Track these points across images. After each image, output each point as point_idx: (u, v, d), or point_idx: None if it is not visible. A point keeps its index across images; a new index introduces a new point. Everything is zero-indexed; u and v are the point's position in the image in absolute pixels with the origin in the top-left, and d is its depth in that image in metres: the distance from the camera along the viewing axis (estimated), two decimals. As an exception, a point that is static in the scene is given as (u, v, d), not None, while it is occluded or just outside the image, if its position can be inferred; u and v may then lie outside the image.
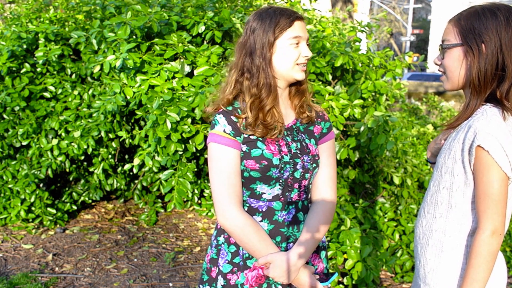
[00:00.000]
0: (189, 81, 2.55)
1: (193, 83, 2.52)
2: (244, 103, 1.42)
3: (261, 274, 1.40)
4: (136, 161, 2.79)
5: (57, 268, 3.20)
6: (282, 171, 1.39)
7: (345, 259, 2.75)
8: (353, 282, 2.76)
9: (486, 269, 1.20)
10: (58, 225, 3.88)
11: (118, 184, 3.92)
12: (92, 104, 3.07)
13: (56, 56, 3.26)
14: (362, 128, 2.80)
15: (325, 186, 1.49)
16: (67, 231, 3.82)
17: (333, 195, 1.50)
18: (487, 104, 1.27)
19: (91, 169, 3.54)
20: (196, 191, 3.93)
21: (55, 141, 3.31)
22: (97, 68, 2.79)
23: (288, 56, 1.37)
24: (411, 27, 28.63)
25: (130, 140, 3.31)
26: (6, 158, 3.75)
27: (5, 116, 3.46)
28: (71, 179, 3.97)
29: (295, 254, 1.37)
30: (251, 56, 1.38)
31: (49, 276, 3.07)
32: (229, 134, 1.38)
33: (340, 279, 2.88)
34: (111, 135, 3.27)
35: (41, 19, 3.66)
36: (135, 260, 3.36)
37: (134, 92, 2.66)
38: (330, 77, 2.98)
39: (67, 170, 3.58)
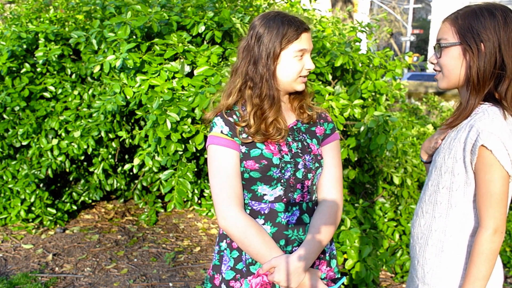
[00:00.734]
0: (189, 81, 2.55)
1: (193, 83, 2.52)
2: (243, 107, 1.41)
3: (266, 281, 1.36)
4: (136, 161, 2.79)
5: (57, 268, 3.20)
6: (283, 171, 1.37)
7: (345, 259, 2.75)
8: (353, 282, 2.76)
9: (488, 267, 1.21)
10: (58, 225, 3.88)
11: (118, 184, 3.92)
12: (92, 104, 3.07)
13: (56, 56, 3.26)
14: (362, 128, 2.80)
15: (330, 186, 1.46)
16: (67, 231, 3.83)
17: (338, 196, 1.47)
18: (486, 103, 1.28)
19: (91, 169, 3.54)
20: (196, 191, 3.93)
21: (55, 141, 3.31)
22: (97, 68, 2.79)
23: (292, 69, 1.35)
24: (411, 27, 28.62)
25: (130, 140, 3.31)
26: (6, 158, 3.75)
27: (5, 116, 3.46)
28: (71, 179, 3.97)
29: (299, 256, 1.32)
30: (255, 64, 1.35)
31: (49, 276, 3.07)
32: (226, 135, 1.36)
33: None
34: (111, 135, 3.27)
35: (41, 19, 3.66)
36: (135, 260, 3.36)
37: (134, 92, 2.66)
38: (330, 77, 2.98)
39: (67, 170, 3.58)
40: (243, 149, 1.37)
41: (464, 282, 1.24)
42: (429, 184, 1.39)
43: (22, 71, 3.44)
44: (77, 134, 3.20)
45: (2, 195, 3.71)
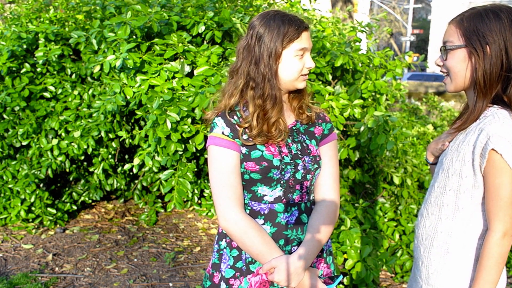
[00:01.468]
0: (189, 81, 2.55)
1: (193, 83, 2.52)
2: (244, 108, 1.41)
3: (265, 279, 1.38)
4: (136, 161, 2.79)
5: (57, 268, 3.20)
6: (283, 172, 1.37)
7: (345, 259, 2.75)
8: (353, 282, 2.76)
9: (498, 271, 1.21)
10: (58, 225, 3.88)
11: (118, 184, 3.92)
12: (92, 104, 3.07)
13: (56, 56, 3.26)
14: (362, 128, 2.80)
15: (327, 187, 1.47)
16: (67, 231, 3.83)
17: (335, 196, 1.48)
18: (494, 106, 1.28)
19: (91, 169, 3.54)
20: (196, 191, 3.93)
21: (55, 141, 3.31)
22: (97, 68, 2.79)
23: (294, 68, 1.35)
24: (411, 27, 28.63)
25: (130, 140, 3.31)
26: (6, 158, 3.75)
27: (5, 116, 3.46)
28: (71, 179, 3.97)
29: (299, 256, 1.34)
30: (256, 64, 1.34)
31: (49, 276, 3.07)
32: (227, 136, 1.36)
33: (340, 279, 2.87)
34: (111, 135, 3.27)
35: (41, 19, 3.66)
36: (135, 260, 3.36)
37: (134, 92, 2.66)
38: (330, 77, 2.98)
39: (67, 170, 3.58)
40: (244, 150, 1.37)
41: (473, 286, 1.24)
42: (435, 186, 1.38)
43: (22, 71, 3.44)
44: (77, 134, 3.20)
45: (2, 195, 3.71)
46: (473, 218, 1.30)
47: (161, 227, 4.00)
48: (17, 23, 3.69)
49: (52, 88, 3.42)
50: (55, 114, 3.41)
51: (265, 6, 3.73)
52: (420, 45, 35.57)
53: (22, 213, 3.58)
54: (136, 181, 4.02)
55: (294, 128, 1.46)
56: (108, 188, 3.87)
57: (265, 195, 1.39)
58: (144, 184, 3.79)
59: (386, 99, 3.23)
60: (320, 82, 2.93)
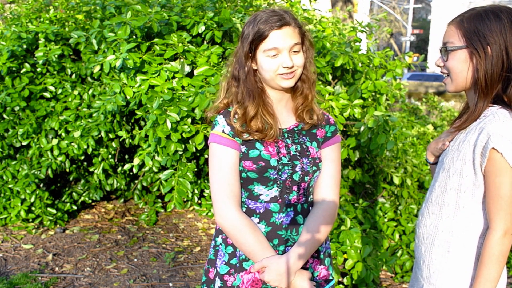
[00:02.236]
0: (189, 81, 2.55)
1: (193, 83, 2.52)
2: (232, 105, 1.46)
3: (257, 278, 1.40)
4: (136, 161, 2.79)
5: (57, 268, 3.20)
6: (280, 173, 1.39)
7: (345, 259, 2.75)
8: (353, 282, 2.76)
9: (499, 269, 1.22)
10: (58, 225, 3.88)
11: (118, 184, 3.92)
12: (92, 104, 3.07)
13: (56, 56, 3.26)
14: (362, 128, 2.80)
15: (327, 187, 1.48)
16: (67, 231, 3.83)
17: (334, 197, 1.49)
18: (494, 105, 1.28)
19: (91, 169, 3.54)
20: (196, 191, 3.93)
21: (55, 141, 3.31)
22: (97, 68, 2.79)
23: (267, 67, 1.37)
24: (411, 27, 28.64)
25: (130, 140, 3.31)
26: (6, 158, 3.75)
27: (5, 116, 3.46)
28: (71, 179, 3.97)
29: (291, 257, 1.36)
30: (239, 64, 1.42)
31: (49, 276, 3.07)
32: (228, 134, 1.39)
33: (340, 279, 2.88)
34: (111, 135, 3.27)
35: (41, 19, 3.66)
36: (135, 260, 3.37)
37: (134, 92, 2.66)
38: (330, 77, 2.98)
39: (67, 170, 3.58)
40: (243, 149, 1.40)
41: (474, 284, 1.25)
42: (435, 185, 1.39)
43: (22, 71, 3.44)
44: (77, 134, 3.20)
45: (2, 195, 3.71)
46: (474, 217, 1.30)
47: (161, 227, 4.00)
48: (17, 23, 3.68)
49: (52, 88, 3.42)
50: (55, 114, 3.41)
51: (265, 6, 3.73)
52: (420, 45, 35.56)
53: (22, 213, 3.58)
54: (136, 181, 4.02)
55: (295, 129, 1.47)
56: (108, 188, 3.87)
57: (261, 194, 1.41)
58: (144, 184, 3.79)
59: (386, 99, 3.23)
60: (320, 82, 2.94)
